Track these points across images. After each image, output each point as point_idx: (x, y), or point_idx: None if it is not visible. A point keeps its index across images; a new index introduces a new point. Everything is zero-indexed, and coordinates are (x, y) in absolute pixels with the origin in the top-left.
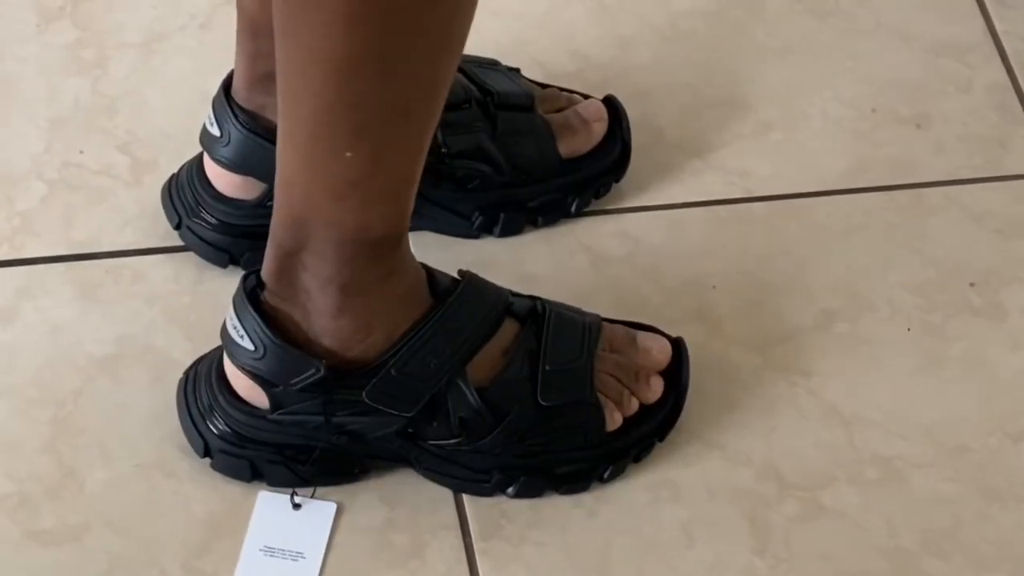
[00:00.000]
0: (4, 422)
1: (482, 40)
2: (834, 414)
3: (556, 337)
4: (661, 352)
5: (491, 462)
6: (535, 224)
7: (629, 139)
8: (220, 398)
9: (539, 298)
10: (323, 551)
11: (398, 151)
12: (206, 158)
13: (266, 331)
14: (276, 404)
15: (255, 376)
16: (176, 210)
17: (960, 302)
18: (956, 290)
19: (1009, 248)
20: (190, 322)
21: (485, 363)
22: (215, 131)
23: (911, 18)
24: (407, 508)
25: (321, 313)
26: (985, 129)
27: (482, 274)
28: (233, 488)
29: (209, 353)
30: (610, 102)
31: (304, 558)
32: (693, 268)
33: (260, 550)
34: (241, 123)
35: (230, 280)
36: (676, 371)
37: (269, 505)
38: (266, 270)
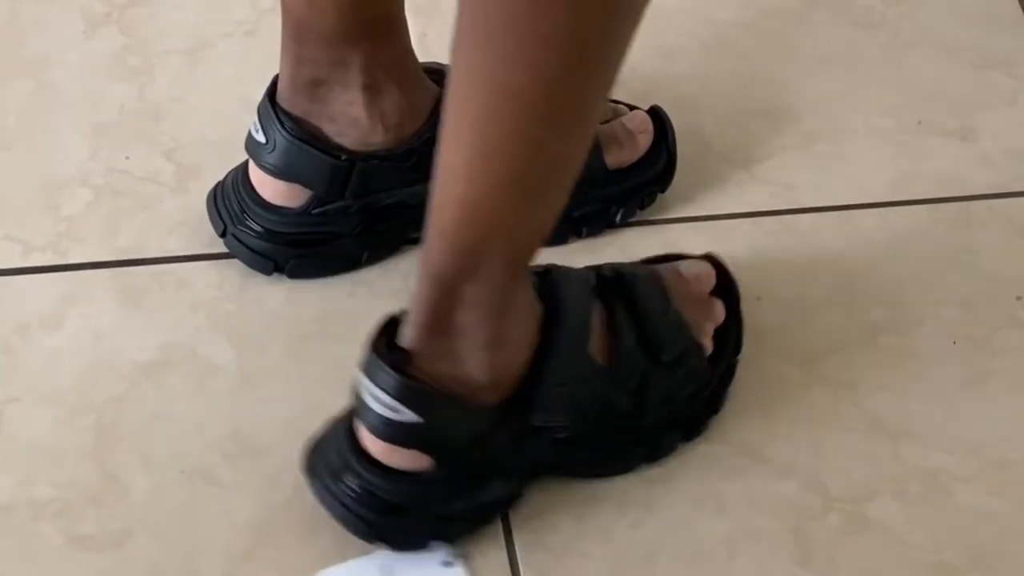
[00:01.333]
0: (47, 428)
1: None
2: (879, 427)
3: (642, 296)
4: (707, 273)
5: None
6: (579, 235)
7: (675, 150)
8: (361, 471)
9: (594, 266)
10: None
11: (579, 150)
12: (251, 165)
13: (428, 404)
14: (440, 462)
15: (420, 447)
16: (221, 218)
17: (1006, 316)
18: (1002, 304)
19: None
20: (234, 329)
21: (597, 342)
22: (260, 138)
23: (957, 30)
24: None
25: (477, 348)
26: None
27: None
28: (276, 496)
29: None
30: (655, 113)
31: None
32: (738, 280)
33: None
34: (287, 129)
35: (274, 287)
36: (725, 287)
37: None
38: (417, 328)
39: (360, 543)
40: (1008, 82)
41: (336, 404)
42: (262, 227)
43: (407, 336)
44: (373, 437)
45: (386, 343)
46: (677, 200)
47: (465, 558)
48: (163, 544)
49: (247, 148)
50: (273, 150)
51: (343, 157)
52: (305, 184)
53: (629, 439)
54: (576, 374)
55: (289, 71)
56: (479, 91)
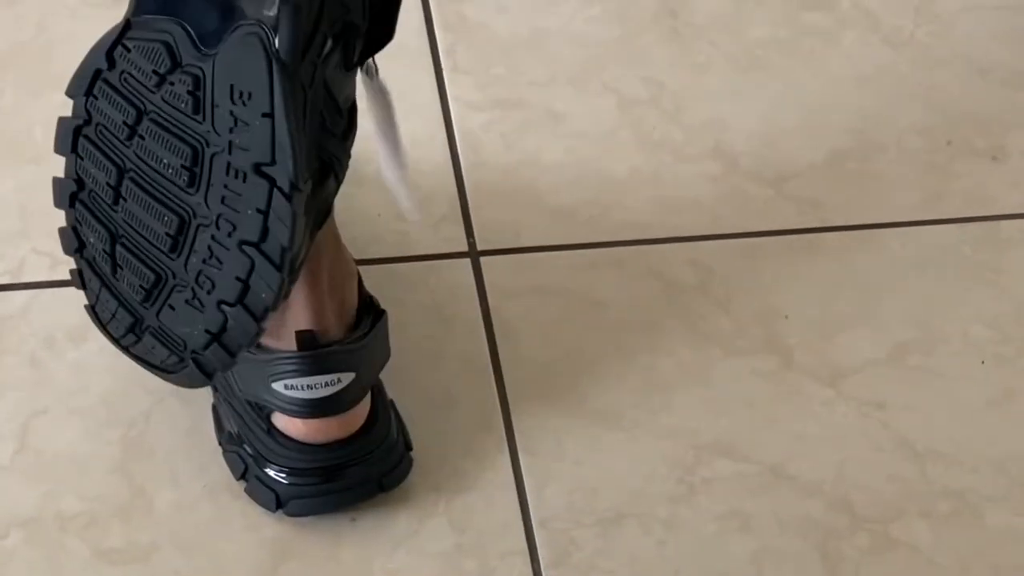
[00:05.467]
0: (74, 441)
1: (556, 65)
2: (906, 446)
3: None
4: None
5: None
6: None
7: None
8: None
9: None
10: None
11: None
12: None
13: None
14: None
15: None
16: None
17: None
18: None
19: None
20: None
21: None
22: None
23: (987, 50)
24: (476, 533)
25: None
26: None
27: (550, 298)
28: None
29: None
30: None
31: None
32: (766, 297)
33: None
34: None
35: None
36: None
37: None
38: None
39: (386, 551)
40: None
41: None
42: None
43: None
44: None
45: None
46: (705, 217)
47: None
48: (189, 558)
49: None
50: None
51: None
52: None
53: None
54: None
55: None
56: None
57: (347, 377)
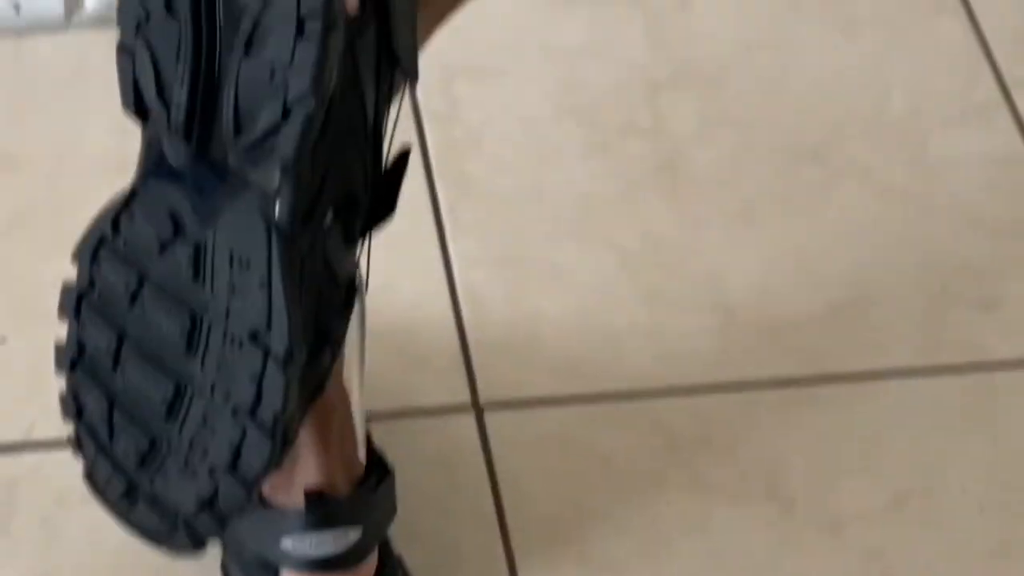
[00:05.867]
0: None
1: (557, 220)
2: None
3: None
4: None
5: None
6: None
7: None
8: None
9: None
10: None
11: None
12: None
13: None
14: None
15: None
16: None
17: None
18: None
19: None
20: None
21: None
22: None
23: (978, 201)
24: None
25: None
26: None
27: (554, 451)
28: None
29: None
30: None
31: None
32: (766, 447)
33: None
34: None
35: None
36: None
37: None
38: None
39: None
40: None
41: None
42: None
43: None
44: None
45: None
46: (707, 367)
47: None
48: None
49: None
50: None
51: None
52: None
53: None
54: None
55: None
56: None
57: (354, 533)
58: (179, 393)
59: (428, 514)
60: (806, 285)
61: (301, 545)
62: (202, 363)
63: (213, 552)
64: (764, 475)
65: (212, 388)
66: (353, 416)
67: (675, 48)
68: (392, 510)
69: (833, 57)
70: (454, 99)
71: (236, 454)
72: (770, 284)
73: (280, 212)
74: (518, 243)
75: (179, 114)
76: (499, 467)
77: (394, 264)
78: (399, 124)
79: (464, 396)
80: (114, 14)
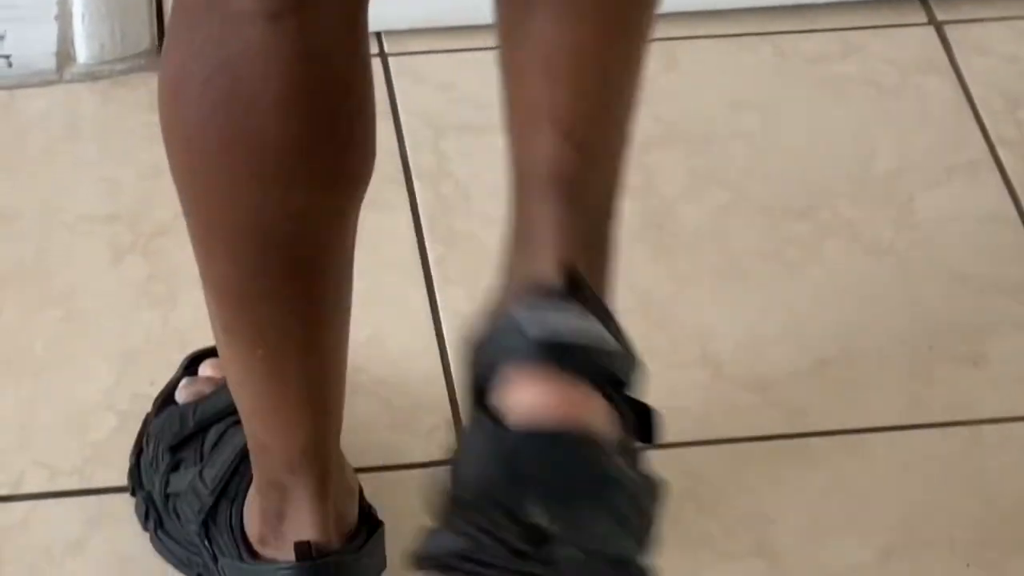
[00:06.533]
0: None
1: None
2: None
3: None
4: None
5: None
6: None
7: None
8: None
9: None
10: None
11: None
12: None
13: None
14: None
15: None
16: None
17: (1019, 539)
18: (1015, 527)
19: None
20: None
21: None
22: None
23: (965, 258)
24: None
25: None
26: None
27: None
28: None
29: None
30: None
31: None
32: (754, 502)
33: None
34: None
35: None
36: None
37: None
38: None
39: None
40: (1018, 308)
41: None
42: None
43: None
44: None
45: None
46: (693, 423)
47: None
48: None
49: None
50: None
51: None
52: None
53: None
54: None
55: None
56: None
57: None
58: None
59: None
60: (793, 341)
61: None
62: None
63: None
64: (751, 530)
65: None
66: (348, 475)
67: (662, 107)
68: (382, 564)
69: (820, 116)
70: (442, 155)
71: None
72: (757, 340)
73: None
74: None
75: None
76: None
77: (383, 318)
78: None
79: (452, 450)
80: (105, 68)
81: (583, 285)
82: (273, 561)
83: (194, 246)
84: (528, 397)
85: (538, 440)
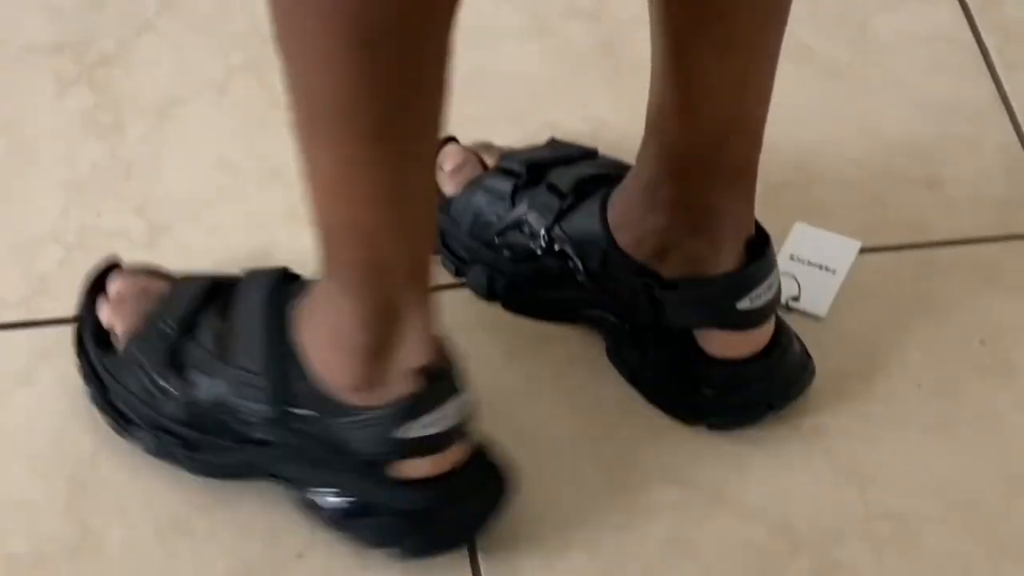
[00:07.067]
0: (22, 483)
1: (495, 104)
2: (846, 472)
3: None
4: None
5: None
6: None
7: None
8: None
9: None
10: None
11: None
12: None
13: None
14: None
15: None
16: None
17: (970, 360)
18: (966, 348)
19: (1019, 307)
20: None
21: None
22: None
23: (921, 80)
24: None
25: None
26: (995, 189)
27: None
28: (250, 545)
29: None
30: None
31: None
32: None
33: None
34: None
35: None
36: None
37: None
38: None
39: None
40: (972, 130)
41: None
42: None
43: None
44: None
45: None
46: None
47: None
48: None
49: None
50: None
51: None
52: None
53: None
54: None
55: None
56: None
57: (468, 396)
58: None
59: None
60: None
61: (428, 425)
62: None
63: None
64: None
65: None
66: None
67: None
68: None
69: None
70: None
71: None
72: None
73: None
74: (458, 129)
75: None
76: None
77: None
78: None
79: None
80: None
81: None
82: (378, 405)
83: (327, 78)
84: None
85: None
